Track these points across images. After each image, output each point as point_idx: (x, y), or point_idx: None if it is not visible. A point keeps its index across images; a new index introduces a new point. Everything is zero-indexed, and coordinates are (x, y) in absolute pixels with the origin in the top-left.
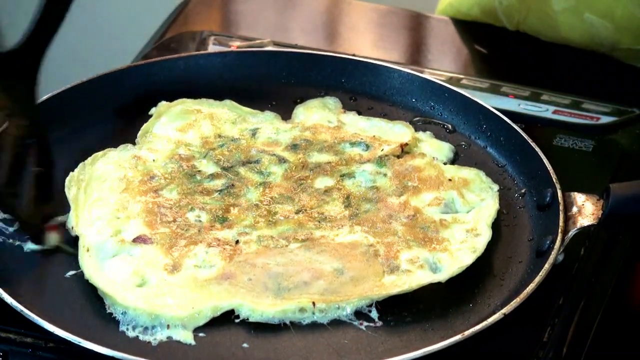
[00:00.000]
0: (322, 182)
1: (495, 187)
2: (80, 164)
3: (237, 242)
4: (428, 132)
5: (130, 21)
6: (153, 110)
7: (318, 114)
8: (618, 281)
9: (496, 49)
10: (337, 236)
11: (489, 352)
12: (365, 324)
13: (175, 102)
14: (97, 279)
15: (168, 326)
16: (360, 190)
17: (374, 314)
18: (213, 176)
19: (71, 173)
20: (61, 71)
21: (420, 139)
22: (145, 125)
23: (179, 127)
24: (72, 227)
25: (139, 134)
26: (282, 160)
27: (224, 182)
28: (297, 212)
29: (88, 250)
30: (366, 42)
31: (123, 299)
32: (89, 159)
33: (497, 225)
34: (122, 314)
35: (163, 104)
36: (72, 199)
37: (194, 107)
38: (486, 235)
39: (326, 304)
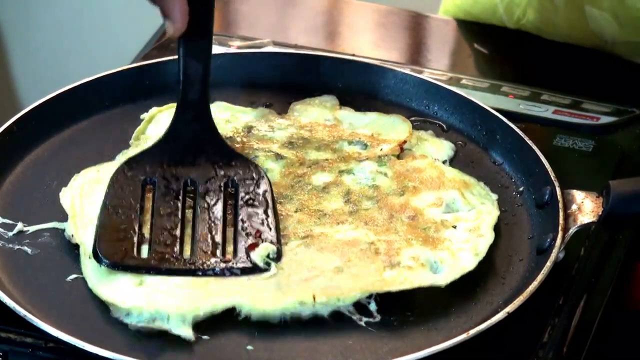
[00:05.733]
0: (321, 178)
1: (495, 197)
2: (75, 175)
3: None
4: (430, 131)
5: (130, 21)
6: (144, 116)
7: (314, 111)
8: (618, 281)
9: (496, 48)
10: (337, 232)
11: (488, 352)
12: (365, 319)
13: (166, 106)
14: (100, 288)
15: (168, 318)
16: (359, 187)
17: (373, 307)
18: None
19: (64, 188)
20: (61, 72)
21: (421, 138)
22: (138, 128)
23: None
24: (72, 235)
25: (132, 137)
26: (279, 157)
27: None
28: (296, 211)
29: (90, 258)
30: (366, 42)
31: (123, 302)
32: (83, 171)
33: (496, 224)
34: (125, 315)
35: (154, 109)
36: (68, 207)
37: None
38: (488, 237)
39: (327, 297)
